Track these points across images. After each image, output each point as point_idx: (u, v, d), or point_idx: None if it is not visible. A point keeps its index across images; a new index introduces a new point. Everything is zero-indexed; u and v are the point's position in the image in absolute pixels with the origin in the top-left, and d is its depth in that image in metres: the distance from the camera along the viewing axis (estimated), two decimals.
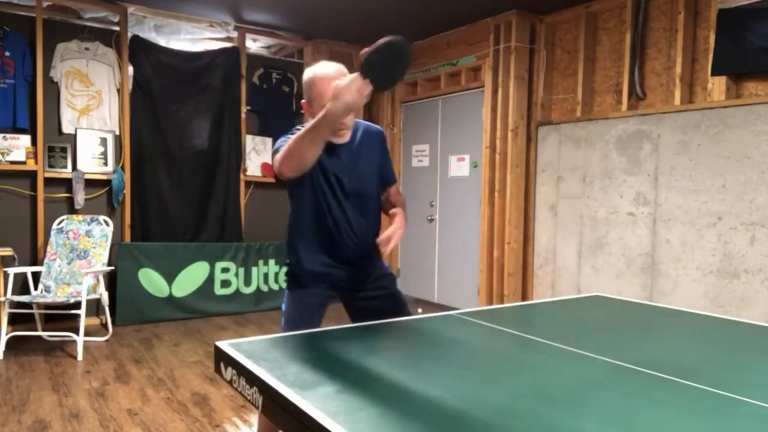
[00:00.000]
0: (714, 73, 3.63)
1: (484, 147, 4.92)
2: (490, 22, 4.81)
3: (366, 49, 1.53)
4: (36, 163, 4.44)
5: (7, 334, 3.85)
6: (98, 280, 4.22)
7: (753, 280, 3.42)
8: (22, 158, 4.41)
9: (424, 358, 1.42)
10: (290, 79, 5.74)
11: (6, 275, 3.94)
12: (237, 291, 5.25)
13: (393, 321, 1.86)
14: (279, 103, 5.69)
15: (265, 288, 5.41)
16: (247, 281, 5.30)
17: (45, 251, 4.36)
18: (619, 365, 1.39)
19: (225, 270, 5.19)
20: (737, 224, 3.49)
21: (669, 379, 1.28)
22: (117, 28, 4.78)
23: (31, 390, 3.20)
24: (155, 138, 5.02)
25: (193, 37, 5.34)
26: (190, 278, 5.01)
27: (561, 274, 4.58)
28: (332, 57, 5.83)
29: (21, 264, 4.24)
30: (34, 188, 4.48)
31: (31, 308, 4.14)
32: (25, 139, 4.44)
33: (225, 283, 5.19)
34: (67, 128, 4.62)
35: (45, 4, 4.46)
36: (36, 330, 4.16)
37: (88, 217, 4.50)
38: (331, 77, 1.79)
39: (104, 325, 4.52)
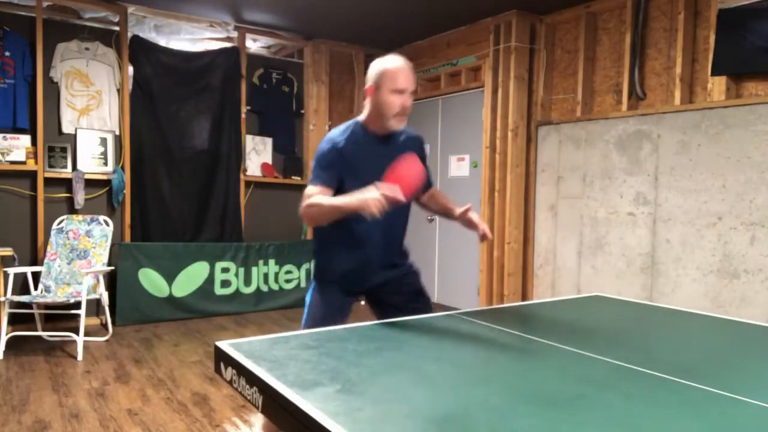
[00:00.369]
0: (714, 73, 3.63)
1: (484, 147, 4.92)
2: (490, 22, 4.81)
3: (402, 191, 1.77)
4: (36, 163, 4.44)
5: (7, 334, 3.85)
6: (98, 280, 4.22)
7: (753, 280, 3.42)
8: (22, 158, 4.41)
9: (424, 358, 1.42)
10: (290, 79, 5.74)
11: (6, 275, 3.94)
12: (237, 291, 5.25)
13: (393, 321, 1.86)
14: (279, 103, 5.69)
15: (265, 288, 5.41)
16: (247, 281, 5.30)
17: (45, 251, 4.36)
18: (619, 365, 1.38)
19: (225, 270, 5.19)
20: (737, 224, 3.49)
21: (669, 379, 1.28)
22: (117, 28, 4.78)
23: (31, 390, 3.20)
24: (155, 138, 5.02)
25: (193, 37, 5.34)
26: (190, 278, 5.01)
27: (561, 274, 4.58)
28: (332, 57, 5.84)
29: (21, 264, 4.24)
30: (34, 188, 4.48)
31: (31, 308, 4.14)
32: (25, 139, 4.44)
33: (225, 283, 5.19)
34: (67, 128, 4.62)
35: (45, 4, 4.46)
36: (36, 330, 4.16)
37: (88, 217, 4.50)
38: (403, 66, 2.01)
39: (104, 325, 4.52)
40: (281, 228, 5.75)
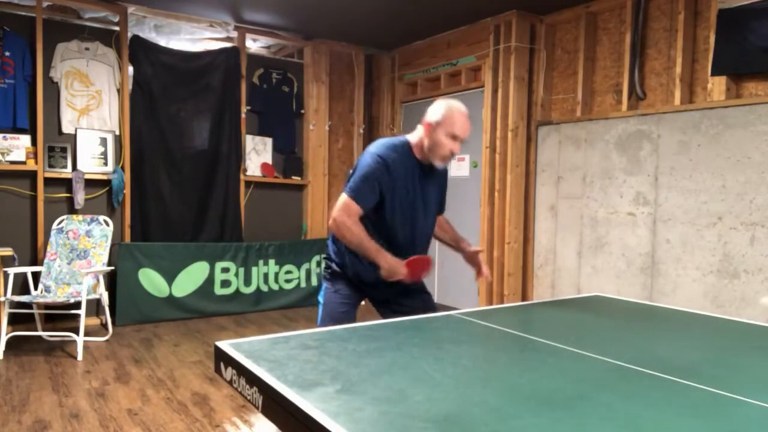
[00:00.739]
0: (714, 73, 3.63)
1: (484, 147, 4.92)
2: (490, 22, 4.81)
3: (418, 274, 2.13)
4: (36, 163, 4.44)
5: (7, 334, 3.85)
6: (98, 280, 4.21)
7: (753, 280, 3.42)
8: (22, 158, 4.41)
9: (424, 357, 1.42)
10: (290, 79, 5.74)
11: (6, 275, 3.94)
12: (237, 291, 5.25)
13: (393, 321, 1.87)
14: (279, 103, 5.68)
15: (265, 288, 5.41)
16: (247, 281, 5.30)
17: (45, 251, 4.36)
18: (619, 365, 1.39)
19: (225, 270, 5.19)
20: (737, 224, 3.49)
21: (669, 379, 1.28)
22: (117, 28, 4.78)
23: (31, 390, 3.20)
24: (155, 138, 5.02)
25: (193, 37, 5.34)
26: (190, 278, 5.01)
27: (561, 274, 4.58)
28: (332, 57, 5.84)
29: (21, 264, 4.23)
30: (34, 188, 4.48)
31: (31, 308, 4.14)
32: (25, 139, 4.44)
33: (225, 283, 5.19)
34: (67, 128, 4.62)
35: (45, 4, 4.46)
36: (36, 330, 4.16)
37: (88, 217, 4.50)
38: (466, 116, 2.13)
39: (104, 325, 4.52)
40: (281, 228, 5.75)
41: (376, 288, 2.21)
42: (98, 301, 4.46)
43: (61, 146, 4.58)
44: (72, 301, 3.89)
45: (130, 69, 4.88)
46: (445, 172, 2.35)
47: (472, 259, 2.35)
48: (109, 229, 4.49)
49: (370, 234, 2.09)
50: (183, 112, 5.16)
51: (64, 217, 4.48)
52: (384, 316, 2.23)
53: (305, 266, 5.63)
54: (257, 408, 1.23)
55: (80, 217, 4.50)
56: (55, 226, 4.41)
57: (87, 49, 4.67)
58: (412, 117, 5.89)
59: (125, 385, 3.32)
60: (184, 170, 5.17)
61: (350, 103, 6.10)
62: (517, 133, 4.70)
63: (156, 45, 5.07)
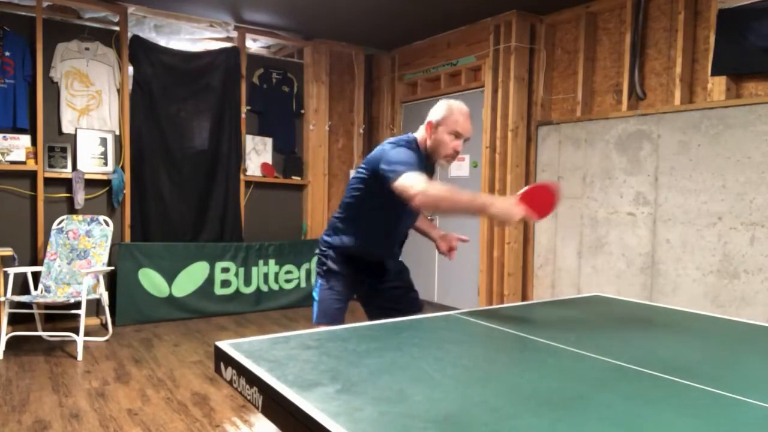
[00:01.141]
0: (714, 73, 3.63)
1: (484, 147, 4.92)
2: (490, 22, 4.81)
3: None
4: (36, 163, 4.44)
5: (7, 334, 3.85)
6: (98, 280, 4.21)
7: (753, 280, 3.42)
8: (22, 158, 4.41)
9: (424, 357, 1.42)
10: (290, 79, 5.74)
11: (6, 275, 3.94)
12: (237, 291, 5.25)
13: (393, 321, 1.86)
14: (279, 103, 5.68)
15: (265, 288, 5.41)
16: (247, 281, 5.30)
17: (45, 251, 4.36)
18: (619, 365, 1.38)
19: (225, 270, 5.19)
20: (737, 224, 3.49)
21: (669, 379, 1.28)
22: (117, 28, 4.78)
23: (31, 390, 3.20)
24: (155, 138, 5.02)
25: (193, 37, 5.34)
26: (190, 278, 5.01)
27: (561, 274, 4.58)
28: (332, 57, 5.84)
29: (21, 264, 4.23)
30: (34, 188, 4.48)
31: (31, 308, 4.14)
32: (25, 139, 4.44)
33: (225, 283, 5.19)
34: (67, 128, 4.62)
35: (45, 4, 4.46)
36: (36, 330, 4.16)
37: (88, 217, 4.50)
38: (467, 114, 2.12)
39: (104, 325, 4.52)
40: (281, 228, 5.75)
41: (367, 263, 2.29)
42: (98, 301, 4.46)
43: (61, 146, 4.58)
44: (72, 301, 3.89)
45: (130, 69, 4.88)
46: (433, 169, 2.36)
47: (443, 238, 2.40)
48: (109, 229, 4.49)
49: (383, 213, 2.16)
50: (183, 112, 5.16)
51: (64, 217, 4.48)
52: (370, 317, 2.29)
53: (305, 266, 5.63)
54: (257, 408, 1.23)
55: (80, 217, 4.50)
56: (55, 226, 4.41)
57: (87, 49, 4.67)
58: (412, 117, 5.89)
59: (125, 385, 3.32)
60: (184, 170, 5.17)
61: (350, 103, 6.10)
62: (517, 133, 4.70)
63: (156, 45, 5.07)
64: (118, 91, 4.82)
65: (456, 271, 5.37)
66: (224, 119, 5.32)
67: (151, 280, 4.81)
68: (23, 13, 4.46)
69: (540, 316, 2.11)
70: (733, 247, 3.50)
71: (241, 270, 5.27)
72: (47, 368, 3.59)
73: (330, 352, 1.45)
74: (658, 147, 3.90)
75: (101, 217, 4.53)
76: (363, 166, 2.17)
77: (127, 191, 4.84)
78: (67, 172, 4.59)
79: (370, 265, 2.32)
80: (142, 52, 4.94)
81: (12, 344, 3.97)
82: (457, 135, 2.09)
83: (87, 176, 4.63)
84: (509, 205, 1.78)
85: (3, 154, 4.33)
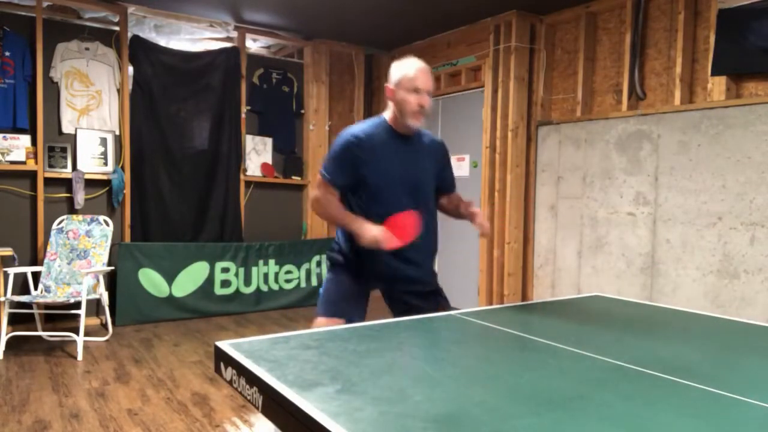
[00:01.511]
0: (714, 73, 3.63)
1: (484, 147, 4.92)
2: (490, 22, 4.81)
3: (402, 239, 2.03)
4: (36, 163, 4.44)
5: (7, 334, 3.85)
6: (98, 280, 4.21)
7: (753, 280, 3.42)
8: (22, 158, 4.41)
9: (424, 358, 1.42)
10: (290, 79, 5.74)
11: (6, 275, 3.94)
12: (237, 291, 5.25)
13: (393, 321, 1.86)
14: (279, 103, 5.69)
15: (265, 288, 5.40)
16: (247, 281, 5.30)
17: (45, 251, 4.36)
18: (619, 365, 1.38)
19: (225, 270, 5.19)
20: (737, 224, 3.49)
21: (669, 379, 1.28)
22: (117, 28, 4.78)
23: (31, 390, 3.20)
24: (155, 138, 5.02)
25: (193, 37, 5.34)
26: (190, 278, 5.01)
27: (561, 274, 4.58)
28: (332, 57, 5.84)
29: (21, 264, 4.23)
30: (34, 188, 4.48)
31: (31, 308, 4.14)
32: (25, 139, 4.44)
33: (225, 283, 5.19)
34: (67, 128, 4.62)
35: (45, 4, 4.46)
36: (36, 330, 4.16)
37: (88, 217, 4.50)
38: (423, 68, 2.12)
39: (104, 325, 4.52)
40: (281, 228, 5.75)
41: (384, 280, 2.21)
42: (98, 301, 4.46)
43: (61, 146, 4.58)
44: (72, 301, 3.89)
45: (130, 69, 4.88)
46: (438, 146, 2.32)
47: (473, 216, 2.31)
48: (109, 229, 4.49)
49: (364, 217, 2.09)
50: (183, 112, 5.16)
51: (64, 217, 4.47)
52: (394, 312, 2.22)
53: (305, 266, 5.62)
54: (257, 408, 1.23)
55: (80, 217, 4.50)
56: (55, 226, 4.41)
57: (87, 49, 4.67)
58: None
59: (125, 385, 3.32)
60: (184, 170, 5.17)
61: (350, 103, 6.10)
62: (517, 133, 4.70)
63: (156, 45, 5.07)
64: (118, 91, 4.82)
65: (456, 271, 5.37)
66: (224, 119, 5.32)
67: (151, 280, 4.81)
68: (23, 13, 4.46)
69: (540, 316, 2.11)
70: (733, 247, 3.50)
71: (241, 270, 5.27)
72: (47, 368, 3.59)
73: (330, 352, 1.45)
74: (658, 147, 3.90)
75: (101, 217, 4.53)
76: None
77: (127, 191, 4.84)
78: (67, 172, 4.59)
79: (382, 262, 2.15)
80: (142, 52, 4.94)
81: (12, 344, 3.97)
82: (417, 90, 2.07)
83: (87, 176, 4.63)
84: (375, 234, 1.98)
85: (3, 154, 4.33)
